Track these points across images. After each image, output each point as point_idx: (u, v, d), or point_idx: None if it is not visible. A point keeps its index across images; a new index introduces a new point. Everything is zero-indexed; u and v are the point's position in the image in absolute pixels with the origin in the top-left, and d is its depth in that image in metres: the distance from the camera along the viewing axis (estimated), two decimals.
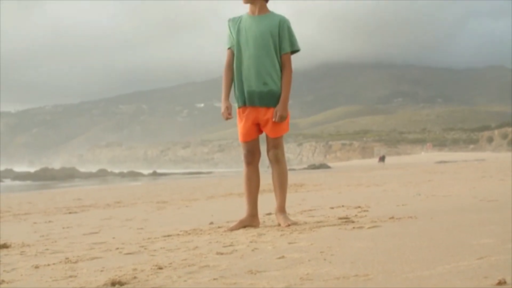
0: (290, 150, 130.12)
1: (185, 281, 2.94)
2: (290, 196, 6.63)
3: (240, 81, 4.97)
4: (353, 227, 4.46)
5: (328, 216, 5.57)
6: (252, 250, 3.71)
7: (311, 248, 3.61)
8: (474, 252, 3.02)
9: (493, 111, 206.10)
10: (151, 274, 3.16)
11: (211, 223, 5.72)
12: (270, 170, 5.07)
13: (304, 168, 63.46)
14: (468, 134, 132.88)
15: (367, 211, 5.95)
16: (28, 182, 45.85)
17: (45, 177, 52.26)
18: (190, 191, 15.67)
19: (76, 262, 3.79)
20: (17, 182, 46.99)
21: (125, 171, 64.44)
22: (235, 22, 5.03)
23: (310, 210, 6.58)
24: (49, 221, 7.59)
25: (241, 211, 5.24)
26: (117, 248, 4.31)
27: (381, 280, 2.58)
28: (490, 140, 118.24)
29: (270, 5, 5.05)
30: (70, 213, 9.24)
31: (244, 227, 4.98)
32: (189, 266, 3.32)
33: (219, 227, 5.23)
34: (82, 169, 70.90)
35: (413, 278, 2.56)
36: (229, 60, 5.06)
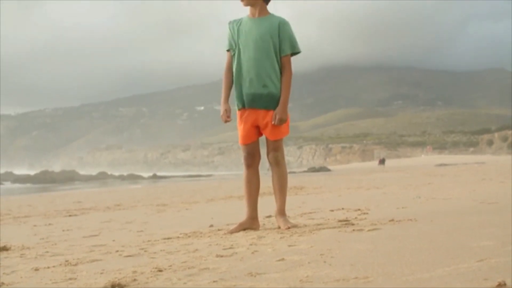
0: (290, 153, 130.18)
1: (185, 283, 2.94)
2: (290, 199, 6.63)
3: (240, 84, 4.97)
4: (353, 230, 4.46)
5: (328, 219, 5.56)
6: (252, 253, 3.71)
7: (311, 250, 3.61)
8: (474, 255, 3.02)
9: (493, 113, 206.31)
10: (151, 277, 3.16)
11: (211, 225, 5.72)
12: (270, 173, 5.07)
13: (304, 171, 63.46)
14: (468, 137, 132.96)
15: (367, 213, 5.95)
16: (28, 185, 45.84)
17: (45, 180, 52.25)
18: (190, 194, 15.67)
19: (76, 264, 3.79)
20: (17, 185, 46.98)
21: (125, 174, 64.46)
22: (235, 25, 5.04)
23: (310, 212, 6.58)
24: (49, 224, 7.59)
25: (241, 213, 5.23)
26: (117, 251, 4.31)
27: (381, 283, 2.58)
28: (490, 143, 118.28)
29: (270, 8, 5.06)
30: (70, 215, 9.24)
31: (244, 229, 4.98)
32: (189, 268, 3.32)
33: (219, 230, 5.22)
34: (82, 172, 70.95)
35: (413, 281, 2.56)
36: (229, 63, 5.06)
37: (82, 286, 3.08)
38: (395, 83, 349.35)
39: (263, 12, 4.99)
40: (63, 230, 6.53)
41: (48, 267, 3.73)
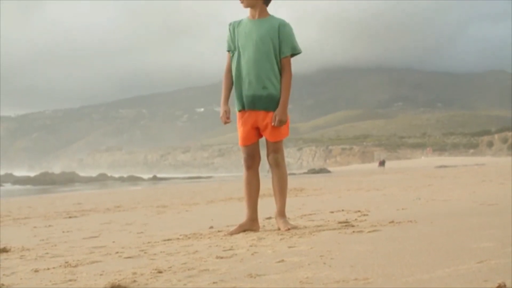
0: (290, 155, 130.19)
1: (184, 284, 2.94)
2: (290, 201, 6.63)
3: (240, 85, 4.97)
4: (353, 231, 4.46)
5: (328, 220, 5.56)
6: (252, 254, 3.71)
7: (311, 252, 3.61)
8: (474, 256, 3.02)
9: (493, 115, 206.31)
10: (151, 278, 3.16)
11: (211, 227, 5.72)
12: (270, 174, 5.07)
13: (304, 173, 63.49)
14: (468, 139, 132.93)
15: (367, 215, 5.95)
16: (28, 187, 45.85)
17: (45, 181, 52.27)
18: (190, 196, 15.67)
19: (76, 266, 3.79)
20: (17, 187, 47.00)
21: (125, 175, 64.46)
22: (236, 26, 5.04)
23: (310, 214, 6.58)
24: (49, 225, 7.59)
25: (241, 215, 5.23)
26: (117, 252, 4.31)
27: (380, 284, 2.58)
28: (490, 144, 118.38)
29: (270, 9, 5.06)
30: (70, 217, 9.23)
31: (244, 231, 4.98)
32: (188, 270, 3.32)
33: (219, 231, 5.22)
34: (82, 174, 70.96)
35: (413, 282, 2.56)
36: (229, 64, 5.06)
37: (82, 287, 3.08)
38: (395, 85, 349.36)
39: (263, 13, 5.00)
40: (63, 232, 6.53)
41: (48, 269, 3.73)
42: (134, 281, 3.11)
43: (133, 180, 55.78)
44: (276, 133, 4.95)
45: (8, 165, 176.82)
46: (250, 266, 3.29)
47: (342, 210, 6.76)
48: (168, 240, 4.90)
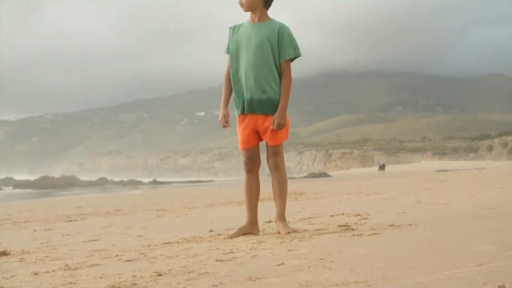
0: (290, 159, 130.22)
1: (184, 287, 2.94)
2: (290, 204, 6.63)
3: (239, 89, 4.98)
4: (353, 235, 4.46)
5: (328, 224, 5.57)
6: (252, 257, 3.71)
7: (311, 255, 3.61)
8: (474, 259, 3.02)
9: (493, 119, 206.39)
10: (151, 281, 3.16)
11: (211, 230, 5.71)
12: (270, 178, 5.07)
13: (304, 177, 63.46)
14: (468, 143, 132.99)
15: (367, 218, 5.95)
16: (28, 190, 45.86)
17: (45, 185, 52.27)
18: (190, 199, 15.67)
19: (75, 269, 3.79)
20: (17, 190, 47.03)
21: (125, 179, 64.47)
22: (236, 30, 5.05)
23: (310, 218, 6.58)
24: (49, 229, 7.59)
25: (241, 219, 5.23)
26: (117, 255, 4.31)
27: (380, 287, 2.58)
28: (490, 148, 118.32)
29: (270, 14, 5.06)
30: (70, 221, 9.23)
31: (244, 234, 4.98)
32: (188, 273, 3.32)
33: (219, 235, 5.22)
34: (82, 178, 70.90)
35: (413, 285, 2.56)
36: (229, 68, 5.07)
37: None
38: (395, 89, 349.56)
39: (263, 17, 5.00)
40: (63, 235, 6.53)
41: (48, 272, 3.73)
42: (134, 284, 3.11)
43: (133, 184, 55.79)
44: (275, 136, 4.95)
45: (8, 169, 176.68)
46: (250, 269, 3.29)
47: (342, 214, 6.77)
48: (168, 243, 4.90)
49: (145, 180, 64.97)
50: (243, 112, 4.98)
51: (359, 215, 6.45)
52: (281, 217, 5.03)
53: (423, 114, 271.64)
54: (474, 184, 14.17)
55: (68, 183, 54.93)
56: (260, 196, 5.20)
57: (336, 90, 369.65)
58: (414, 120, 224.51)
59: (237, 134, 5.07)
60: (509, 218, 4.79)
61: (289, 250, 3.88)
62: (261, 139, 5.04)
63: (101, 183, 58.33)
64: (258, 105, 4.91)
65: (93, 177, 73.89)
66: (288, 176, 5.32)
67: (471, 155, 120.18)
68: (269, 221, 5.86)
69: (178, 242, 4.94)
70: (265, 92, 4.90)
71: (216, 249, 4.26)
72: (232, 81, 5.02)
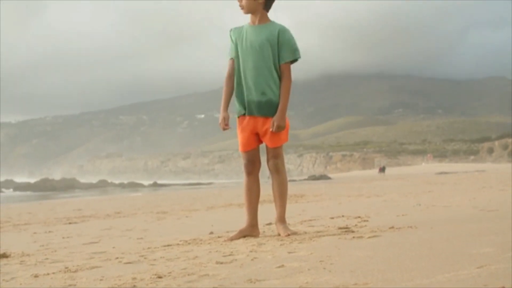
0: (290, 161, 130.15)
1: None
2: (290, 207, 6.63)
3: (240, 91, 4.98)
4: (353, 237, 4.46)
5: (328, 226, 5.56)
6: (252, 260, 3.71)
7: (311, 257, 3.60)
8: (474, 261, 3.02)
9: (494, 122, 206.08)
10: (151, 283, 3.16)
11: (211, 233, 5.71)
12: (270, 180, 5.07)
13: (305, 179, 63.41)
14: (469, 145, 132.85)
15: (367, 221, 5.95)
16: (28, 193, 45.82)
17: (45, 187, 52.25)
18: (190, 202, 15.66)
19: (75, 271, 3.79)
20: (17, 193, 47.00)
21: (125, 182, 64.39)
22: (237, 32, 5.05)
23: (310, 220, 6.58)
24: (49, 231, 7.59)
25: (241, 221, 5.23)
26: (117, 258, 4.31)
27: None
28: (491, 151, 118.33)
29: (271, 15, 5.07)
30: (70, 223, 9.23)
31: (244, 236, 4.98)
32: (188, 275, 3.32)
33: (219, 237, 5.22)
34: (83, 180, 70.89)
35: (413, 287, 2.56)
36: (230, 70, 5.07)
37: None
38: (395, 91, 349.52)
39: (264, 19, 5.00)
40: (63, 237, 6.53)
41: (48, 274, 3.73)
42: (134, 286, 3.11)
43: (133, 186, 55.73)
44: (275, 139, 4.95)
45: (8, 171, 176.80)
46: (250, 271, 3.29)
47: (342, 216, 6.76)
48: (168, 245, 4.90)
49: (145, 182, 64.91)
50: (243, 114, 4.98)
51: (359, 217, 6.45)
52: (281, 219, 5.03)
53: (423, 117, 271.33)
54: (474, 187, 14.16)
55: (68, 186, 54.92)
56: (260, 199, 5.19)
57: (336, 93, 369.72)
58: (414, 123, 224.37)
59: (237, 136, 5.07)
60: (509, 220, 4.79)
61: (289, 252, 3.88)
62: (261, 142, 5.04)
63: (101, 186, 58.30)
64: (257, 107, 4.91)
65: (93, 180, 73.81)
66: (288, 178, 5.32)
67: (472, 157, 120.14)
68: (269, 223, 5.86)
69: (178, 244, 4.94)
70: (264, 94, 4.90)
71: (216, 251, 4.26)
72: (235, 82, 5.02)
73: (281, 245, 4.33)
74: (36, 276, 3.69)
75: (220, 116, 5.00)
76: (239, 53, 4.98)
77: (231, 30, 5.12)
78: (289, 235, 4.83)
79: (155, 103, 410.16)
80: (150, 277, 3.32)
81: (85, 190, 49.02)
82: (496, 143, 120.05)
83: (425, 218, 5.82)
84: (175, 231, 6.42)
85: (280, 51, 4.92)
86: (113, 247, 5.11)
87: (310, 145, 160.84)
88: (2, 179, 68.68)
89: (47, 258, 4.57)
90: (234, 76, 5.01)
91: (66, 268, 3.92)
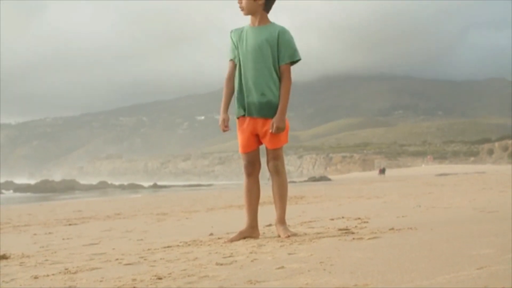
0: (290, 163, 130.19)
1: None
2: (290, 208, 6.63)
3: (240, 92, 4.98)
4: (353, 238, 4.46)
5: (328, 228, 5.56)
6: (252, 261, 3.71)
7: (311, 258, 3.60)
8: (474, 262, 3.02)
9: (494, 123, 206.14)
10: (151, 285, 3.16)
11: (211, 234, 5.71)
12: (270, 182, 5.07)
13: (305, 181, 63.44)
14: (469, 147, 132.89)
15: (367, 222, 5.95)
16: (28, 194, 45.88)
17: (45, 189, 52.33)
18: (190, 203, 15.66)
19: (75, 272, 3.78)
20: (17, 194, 47.08)
21: (125, 183, 64.41)
22: (237, 34, 5.05)
23: (310, 221, 6.58)
24: (49, 233, 7.59)
25: (241, 222, 5.23)
26: (117, 259, 4.31)
27: None
28: (491, 152, 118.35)
29: (271, 17, 5.07)
30: (70, 224, 9.23)
31: (244, 238, 4.97)
32: (188, 276, 3.31)
33: (219, 238, 5.22)
34: (83, 181, 70.93)
35: None
36: (230, 72, 5.07)
37: None
38: (395, 93, 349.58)
39: (264, 20, 5.00)
40: (63, 239, 6.53)
41: (48, 275, 3.73)
42: (134, 287, 3.11)
43: (134, 187, 55.76)
44: (275, 140, 4.95)
45: (8, 172, 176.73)
46: (250, 272, 3.29)
47: (342, 217, 6.76)
48: (168, 247, 4.90)
49: (145, 184, 64.95)
50: (243, 115, 4.98)
51: (359, 218, 6.45)
52: (281, 220, 5.02)
53: (423, 118, 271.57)
54: (474, 188, 14.16)
55: (68, 187, 54.96)
56: (260, 200, 5.19)
57: (336, 94, 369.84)
58: (414, 124, 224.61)
59: (237, 137, 5.07)
60: (509, 221, 4.79)
61: (289, 254, 3.88)
62: (261, 143, 5.04)
63: (101, 187, 58.35)
64: (257, 108, 4.91)
65: (93, 181, 73.88)
66: (288, 179, 5.31)
67: (472, 159, 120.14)
68: (269, 225, 5.86)
69: (178, 245, 4.94)
70: (264, 95, 4.90)
71: (216, 252, 4.26)
72: (235, 84, 5.02)
73: (281, 246, 4.33)
74: (36, 277, 3.69)
75: (220, 117, 5.00)
76: (240, 55, 4.98)
77: (231, 31, 5.12)
78: (289, 236, 4.83)
79: (155, 105, 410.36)
80: (150, 278, 3.31)
81: (85, 192, 49.06)
82: (496, 144, 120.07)
83: (425, 220, 5.82)
84: (175, 233, 6.42)
85: (279, 52, 4.92)
86: (113, 249, 5.11)
87: (310, 147, 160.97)
88: (2, 180, 68.73)
89: (47, 260, 4.57)
90: (234, 78, 5.02)
91: (66, 269, 3.92)
